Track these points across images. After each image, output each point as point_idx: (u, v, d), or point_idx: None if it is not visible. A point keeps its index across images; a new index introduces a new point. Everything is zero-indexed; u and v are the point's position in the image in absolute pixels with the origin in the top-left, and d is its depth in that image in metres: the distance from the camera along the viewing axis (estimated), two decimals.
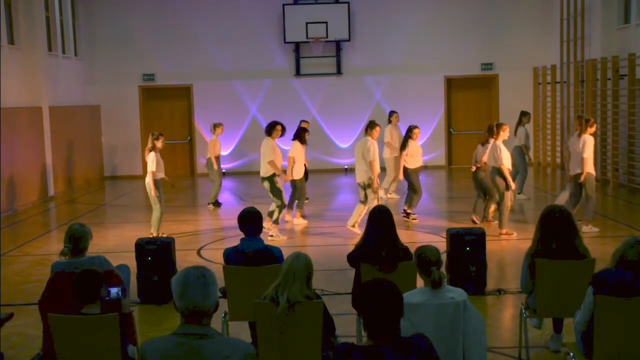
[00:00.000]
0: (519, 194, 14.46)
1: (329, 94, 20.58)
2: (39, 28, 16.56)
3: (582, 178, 10.97)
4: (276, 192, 11.33)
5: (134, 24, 20.42)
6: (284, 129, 11.58)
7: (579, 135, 11.09)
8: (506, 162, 10.88)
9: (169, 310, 7.48)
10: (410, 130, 12.63)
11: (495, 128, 11.17)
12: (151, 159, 11.08)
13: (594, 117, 16.86)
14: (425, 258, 4.80)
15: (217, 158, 14.55)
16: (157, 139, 11.28)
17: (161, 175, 11.29)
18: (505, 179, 10.85)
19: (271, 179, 11.30)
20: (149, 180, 11.09)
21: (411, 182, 12.52)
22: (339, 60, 20.52)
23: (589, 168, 10.98)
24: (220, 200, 14.85)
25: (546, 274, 5.73)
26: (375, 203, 10.70)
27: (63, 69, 18.56)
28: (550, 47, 19.89)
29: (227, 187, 18.03)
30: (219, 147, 14.72)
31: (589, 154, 10.91)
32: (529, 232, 9.77)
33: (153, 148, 11.17)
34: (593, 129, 11.21)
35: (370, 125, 11.23)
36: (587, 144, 10.92)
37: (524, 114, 14.90)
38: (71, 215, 14.61)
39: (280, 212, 11.36)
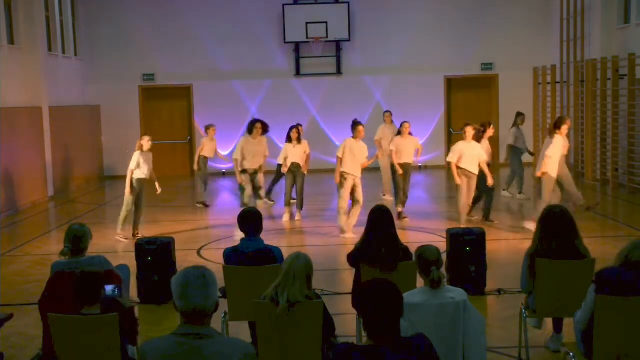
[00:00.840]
0: (519, 193, 14.50)
1: (329, 94, 20.58)
2: (39, 28, 16.56)
3: (538, 173, 10.92)
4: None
5: (134, 24, 20.42)
6: (264, 126, 11.72)
7: (551, 136, 11.05)
8: (460, 160, 11.21)
9: (169, 310, 7.47)
10: (400, 126, 13.08)
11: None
12: (134, 158, 11.34)
13: (594, 117, 16.95)
14: (426, 258, 4.81)
15: (202, 159, 14.71)
16: (141, 139, 11.54)
17: (142, 175, 11.38)
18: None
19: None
20: (128, 178, 11.39)
21: (394, 178, 12.80)
22: (339, 60, 20.52)
23: (546, 167, 10.81)
24: (203, 202, 14.99)
25: (546, 274, 5.73)
26: (359, 199, 11.23)
27: (63, 69, 18.56)
28: (550, 47, 19.90)
29: (227, 187, 18.07)
30: (208, 148, 14.77)
31: (551, 152, 10.77)
32: (529, 232, 9.78)
33: (140, 148, 11.41)
34: (561, 132, 10.91)
35: (352, 126, 11.42)
36: (553, 144, 10.81)
37: (518, 114, 15.08)
38: (71, 215, 14.60)
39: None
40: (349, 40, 20.23)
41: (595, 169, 16.99)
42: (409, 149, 12.81)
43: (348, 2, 20.07)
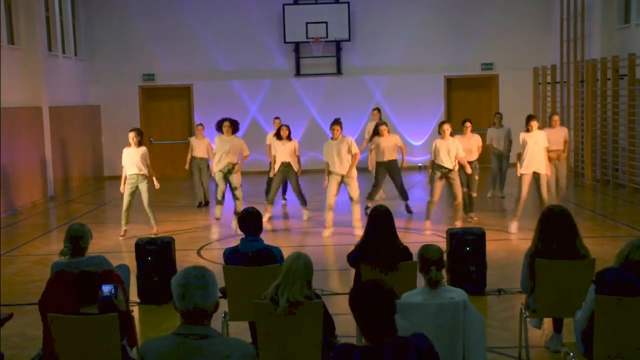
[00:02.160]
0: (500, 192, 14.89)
1: (329, 94, 20.58)
2: (39, 28, 16.56)
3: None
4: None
5: (134, 24, 20.43)
6: (233, 124, 11.65)
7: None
8: (439, 159, 11.72)
9: (169, 310, 7.47)
10: (376, 126, 13.30)
11: None
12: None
13: (594, 117, 16.95)
14: (427, 257, 4.81)
15: (200, 161, 14.80)
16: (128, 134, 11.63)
17: (130, 171, 11.44)
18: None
19: None
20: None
21: (375, 175, 13.00)
22: (339, 60, 20.52)
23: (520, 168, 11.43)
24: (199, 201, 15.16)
25: (546, 274, 5.72)
26: (352, 197, 11.30)
27: (63, 69, 18.56)
28: (550, 47, 19.90)
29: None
30: (198, 148, 14.82)
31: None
32: (529, 232, 9.77)
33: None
34: (530, 126, 11.46)
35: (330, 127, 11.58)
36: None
37: (494, 115, 15.38)
38: (71, 215, 14.61)
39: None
40: (349, 40, 20.22)
41: (595, 169, 16.98)
42: (390, 147, 12.92)
43: (348, 2, 20.07)
